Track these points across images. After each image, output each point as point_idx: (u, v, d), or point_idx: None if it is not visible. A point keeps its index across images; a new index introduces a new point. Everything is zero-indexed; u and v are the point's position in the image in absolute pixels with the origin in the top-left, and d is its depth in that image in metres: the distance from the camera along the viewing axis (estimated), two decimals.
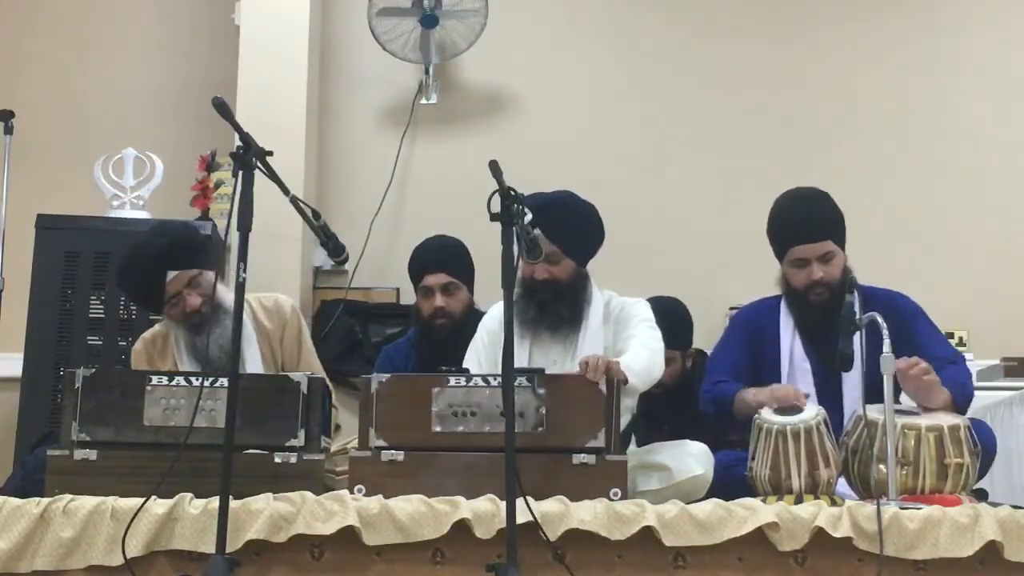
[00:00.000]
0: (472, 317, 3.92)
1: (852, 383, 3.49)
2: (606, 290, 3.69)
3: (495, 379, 3.08)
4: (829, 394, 3.58)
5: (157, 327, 3.88)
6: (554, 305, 3.58)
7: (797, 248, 3.64)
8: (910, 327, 3.59)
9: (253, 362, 3.69)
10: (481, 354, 3.63)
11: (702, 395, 3.81)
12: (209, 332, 3.60)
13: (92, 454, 3.07)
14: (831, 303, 3.57)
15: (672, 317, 4.15)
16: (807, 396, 3.49)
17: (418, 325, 4.11)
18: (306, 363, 3.78)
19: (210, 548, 2.70)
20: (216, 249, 4.00)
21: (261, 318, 3.83)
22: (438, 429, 3.08)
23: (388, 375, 3.16)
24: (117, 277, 3.80)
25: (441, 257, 4.05)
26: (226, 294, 3.67)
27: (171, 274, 3.64)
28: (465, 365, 3.57)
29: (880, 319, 3.15)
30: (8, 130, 4.52)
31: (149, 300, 3.77)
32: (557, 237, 3.54)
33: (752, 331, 3.79)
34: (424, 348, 4.04)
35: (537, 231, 3.24)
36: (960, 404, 3.43)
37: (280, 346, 3.82)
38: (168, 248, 3.67)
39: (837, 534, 2.82)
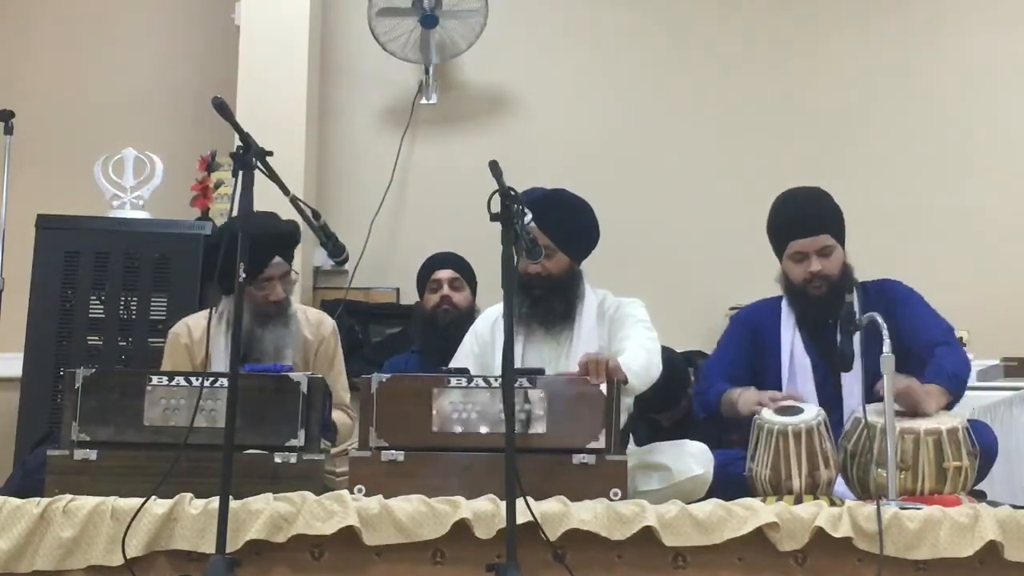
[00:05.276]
0: (474, 317, 3.97)
1: (851, 380, 3.50)
2: (600, 289, 3.68)
3: (495, 380, 3.08)
4: (828, 391, 3.58)
5: (199, 315, 3.87)
6: (547, 300, 3.57)
7: (795, 242, 3.64)
8: (896, 315, 3.44)
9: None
10: (469, 360, 3.62)
11: (695, 397, 3.85)
12: (269, 327, 3.68)
13: (92, 454, 3.06)
14: (830, 296, 3.57)
15: (668, 376, 3.66)
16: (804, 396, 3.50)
17: (421, 322, 4.29)
18: (333, 381, 3.73)
19: (210, 548, 2.69)
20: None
21: (303, 328, 3.86)
22: (438, 429, 3.08)
23: (388, 375, 3.16)
24: (230, 237, 3.74)
25: (449, 259, 4.43)
26: (296, 303, 3.84)
27: (277, 259, 3.68)
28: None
29: (880, 319, 3.14)
30: (8, 130, 4.50)
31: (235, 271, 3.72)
32: (551, 230, 3.54)
33: (753, 329, 3.79)
34: (427, 341, 4.23)
35: (532, 224, 3.23)
36: (954, 392, 3.40)
37: (314, 358, 3.85)
38: (290, 237, 3.75)
39: (837, 534, 2.82)
